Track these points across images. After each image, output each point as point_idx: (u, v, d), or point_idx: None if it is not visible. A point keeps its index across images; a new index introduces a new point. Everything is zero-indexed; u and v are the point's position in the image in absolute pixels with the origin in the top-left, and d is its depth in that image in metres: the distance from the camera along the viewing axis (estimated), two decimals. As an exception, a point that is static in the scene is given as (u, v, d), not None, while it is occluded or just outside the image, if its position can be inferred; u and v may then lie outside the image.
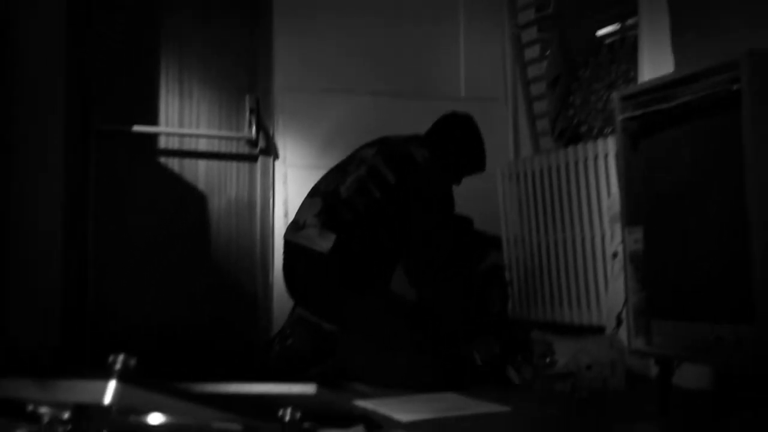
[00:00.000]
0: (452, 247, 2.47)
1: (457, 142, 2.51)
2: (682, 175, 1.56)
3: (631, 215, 1.69)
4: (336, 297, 2.22)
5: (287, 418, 1.09)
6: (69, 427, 1.00)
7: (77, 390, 0.96)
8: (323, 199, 2.32)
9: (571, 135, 2.89)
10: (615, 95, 1.71)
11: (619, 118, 1.68)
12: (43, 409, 1.05)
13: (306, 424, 1.13)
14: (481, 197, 3.12)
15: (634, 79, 2.44)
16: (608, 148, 2.55)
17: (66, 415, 1.01)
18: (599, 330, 2.51)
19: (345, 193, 2.28)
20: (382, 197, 2.26)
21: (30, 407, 1.07)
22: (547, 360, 1.99)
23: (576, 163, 2.71)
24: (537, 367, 2.01)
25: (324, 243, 2.20)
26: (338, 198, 2.28)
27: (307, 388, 1.24)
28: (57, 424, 1.01)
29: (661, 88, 1.55)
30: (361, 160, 2.38)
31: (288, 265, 2.38)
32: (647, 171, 1.66)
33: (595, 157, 2.62)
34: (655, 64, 2.19)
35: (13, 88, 2.45)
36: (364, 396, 1.89)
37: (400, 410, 1.62)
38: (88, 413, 0.97)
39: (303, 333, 2.26)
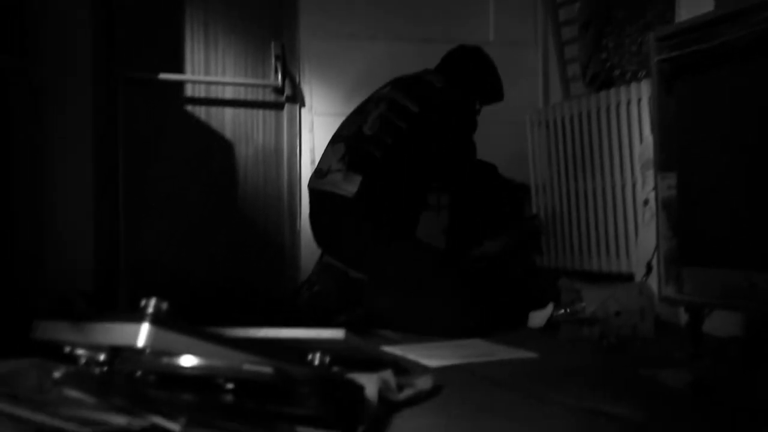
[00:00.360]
0: (474, 171, 2.47)
1: (468, 74, 2.45)
2: (719, 119, 1.52)
3: (664, 161, 1.65)
4: (363, 244, 2.21)
5: (316, 362, 1.11)
6: (105, 368, 1.03)
7: (112, 333, 0.98)
8: (345, 142, 2.29)
9: (603, 79, 2.81)
10: (651, 36, 1.65)
11: (655, 59, 1.63)
12: (80, 351, 1.08)
13: (335, 369, 1.15)
14: (508, 144, 3.08)
15: (671, 20, 2.35)
16: (641, 92, 2.49)
17: (102, 357, 1.03)
18: (628, 278, 2.49)
19: (369, 131, 2.26)
20: (408, 128, 2.24)
21: (67, 349, 1.10)
22: (575, 307, 1.98)
23: (608, 109, 2.65)
24: (564, 314, 2.01)
25: (349, 186, 2.18)
26: (362, 138, 2.25)
27: (336, 334, 1.25)
28: (93, 365, 1.04)
29: (700, 27, 1.49)
30: (378, 99, 2.36)
31: (314, 214, 2.38)
32: (682, 115, 1.61)
33: (628, 102, 2.55)
34: (694, 2, 2.10)
35: (41, 37, 2.45)
36: (392, 342, 1.91)
37: (427, 356, 1.64)
38: (123, 355, 1.00)
39: (329, 280, 2.27)
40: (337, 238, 2.30)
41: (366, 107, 2.37)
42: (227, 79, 2.93)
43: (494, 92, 2.53)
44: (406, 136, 2.23)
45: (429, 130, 2.27)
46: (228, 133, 2.94)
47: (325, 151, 2.39)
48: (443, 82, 2.38)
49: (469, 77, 2.46)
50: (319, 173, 2.34)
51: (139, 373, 0.93)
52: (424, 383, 1.23)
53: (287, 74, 2.96)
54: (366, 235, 2.21)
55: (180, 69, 2.88)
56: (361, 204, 2.17)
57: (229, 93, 2.95)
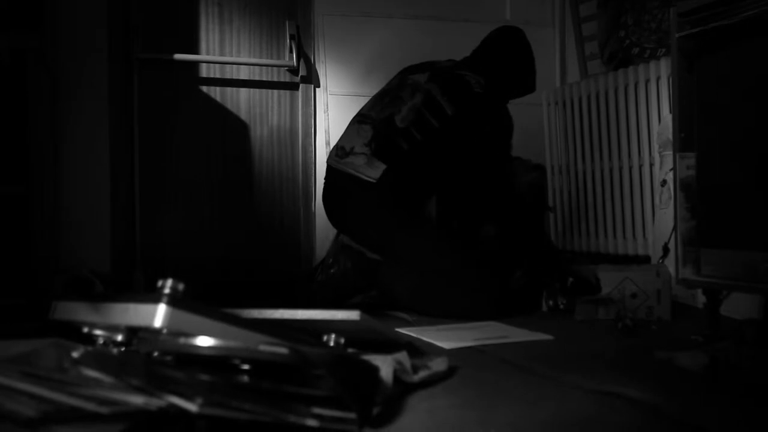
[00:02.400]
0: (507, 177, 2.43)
1: (509, 63, 2.36)
2: (741, 98, 1.49)
3: (683, 141, 1.63)
4: (379, 226, 2.21)
5: (332, 343, 1.11)
6: (122, 348, 1.04)
7: (129, 313, 0.99)
8: (374, 127, 2.24)
9: (621, 58, 2.77)
10: (672, 11, 1.62)
11: (675, 36, 1.60)
12: (98, 332, 1.09)
13: (350, 350, 1.15)
14: (524, 125, 3.05)
15: (692, -4, 2.30)
16: (660, 70, 2.46)
17: (119, 337, 1.05)
18: (645, 260, 2.48)
19: (401, 123, 2.20)
20: (441, 128, 2.19)
21: (86, 329, 1.12)
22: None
23: (626, 88, 2.62)
24: (580, 295, 2.00)
25: (372, 172, 2.15)
26: (393, 128, 2.20)
27: (351, 315, 1.25)
28: (111, 345, 1.05)
29: (723, 2, 1.46)
30: (414, 87, 2.28)
31: (329, 190, 2.35)
32: (703, 93, 1.59)
33: (647, 81, 2.52)
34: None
35: (57, 17, 2.45)
36: (406, 324, 1.92)
37: (442, 338, 1.64)
38: (140, 335, 1.01)
39: (346, 261, 2.27)
40: (353, 219, 2.28)
41: (401, 93, 2.29)
42: (242, 59, 2.92)
43: (528, 85, 2.43)
44: (437, 137, 2.19)
45: (460, 134, 2.23)
46: (243, 114, 2.94)
47: (350, 128, 2.33)
48: (483, 81, 2.28)
49: (507, 65, 2.36)
50: (341, 151, 2.28)
51: (156, 353, 0.94)
52: (439, 365, 1.23)
53: (302, 54, 2.95)
54: (383, 218, 2.19)
55: (195, 49, 2.88)
56: (383, 190, 2.14)
57: (243, 73, 2.94)
